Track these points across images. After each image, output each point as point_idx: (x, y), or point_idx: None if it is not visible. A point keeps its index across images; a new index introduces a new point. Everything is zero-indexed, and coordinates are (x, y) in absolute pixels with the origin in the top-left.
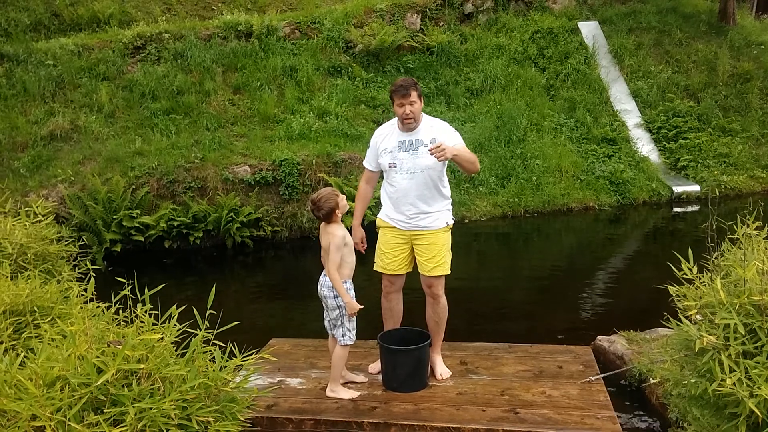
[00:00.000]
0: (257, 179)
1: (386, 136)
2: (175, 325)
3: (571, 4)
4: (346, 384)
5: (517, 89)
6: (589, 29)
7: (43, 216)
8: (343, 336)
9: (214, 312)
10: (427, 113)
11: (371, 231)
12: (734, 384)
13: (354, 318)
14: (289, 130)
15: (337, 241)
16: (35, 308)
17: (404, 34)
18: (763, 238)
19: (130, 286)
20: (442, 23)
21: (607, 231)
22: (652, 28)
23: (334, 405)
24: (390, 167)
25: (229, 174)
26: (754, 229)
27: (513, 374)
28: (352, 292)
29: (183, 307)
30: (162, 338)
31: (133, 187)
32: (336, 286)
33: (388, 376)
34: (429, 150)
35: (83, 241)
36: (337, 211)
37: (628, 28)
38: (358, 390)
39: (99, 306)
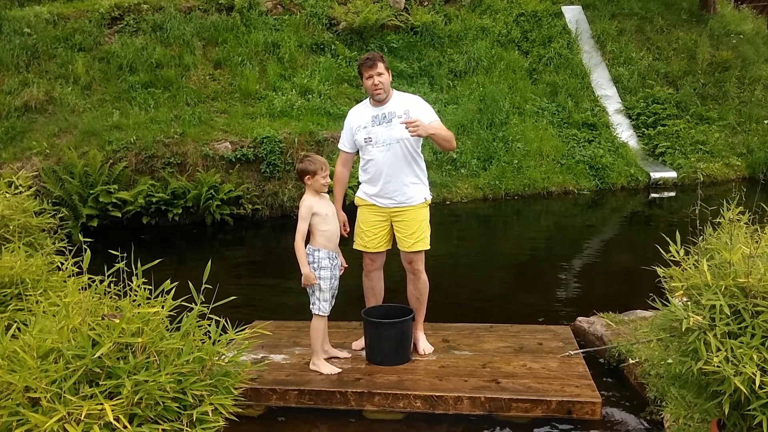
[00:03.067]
0: (238, 156)
1: (359, 113)
2: (165, 299)
3: None
4: (329, 359)
5: (500, 72)
6: (572, 14)
7: (24, 188)
8: (312, 305)
9: (189, 288)
10: (400, 92)
11: (353, 210)
12: (720, 363)
13: (326, 288)
14: (271, 107)
15: (302, 212)
16: (23, 281)
17: (388, 12)
18: (744, 223)
19: (123, 261)
20: (426, 3)
21: (586, 215)
22: (634, 14)
23: (318, 377)
24: (366, 142)
25: (209, 150)
26: (737, 215)
27: (494, 350)
28: (325, 262)
29: (176, 284)
30: (158, 312)
31: (111, 161)
32: (297, 254)
33: (372, 350)
34: (402, 122)
35: (63, 213)
36: (307, 178)
37: (610, 14)
38: (341, 365)
39: (92, 279)
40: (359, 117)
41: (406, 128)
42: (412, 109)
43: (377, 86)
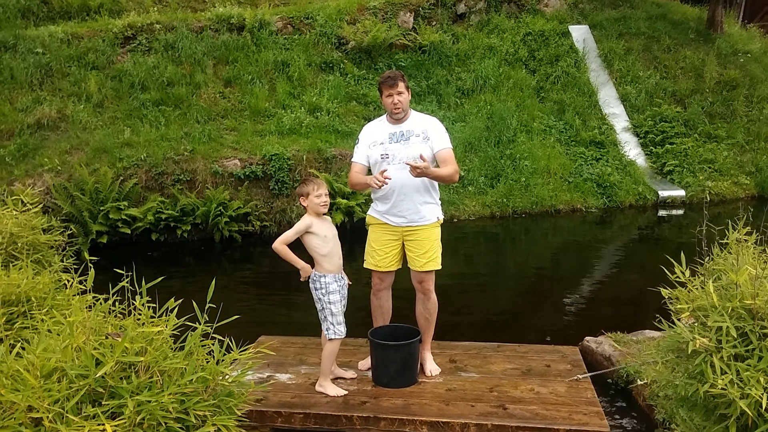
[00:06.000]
0: (247, 173)
1: (376, 129)
2: (169, 318)
3: (563, 7)
4: (335, 380)
5: (507, 90)
6: (579, 33)
7: (31, 205)
8: (327, 330)
9: (198, 306)
10: (417, 112)
11: (361, 228)
12: (726, 386)
13: (338, 312)
14: (280, 124)
15: (298, 224)
16: (29, 299)
17: (397, 32)
18: (752, 244)
19: (127, 279)
20: (434, 22)
21: (594, 233)
22: (641, 33)
23: (323, 399)
24: (382, 158)
25: (218, 167)
26: (744, 235)
27: (501, 372)
28: (333, 286)
29: (180, 301)
30: (161, 331)
31: (121, 178)
32: (284, 255)
33: (378, 372)
34: (407, 163)
35: (72, 230)
36: (302, 199)
37: (617, 33)
38: (347, 386)
39: (97, 297)
40: (376, 132)
41: (410, 172)
42: (430, 129)
43: (396, 105)
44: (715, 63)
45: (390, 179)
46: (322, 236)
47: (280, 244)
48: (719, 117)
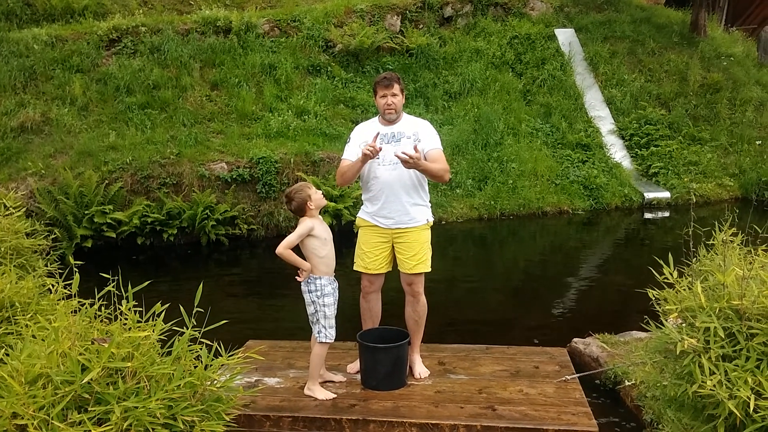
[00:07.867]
0: (234, 176)
1: (368, 129)
2: (156, 322)
3: (549, 11)
4: (324, 383)
5: (494, 93)
6: (565, 36)
7: (14, 209)
8: (318, 333)
9: (185, 310)
10: (409, 115)
11: (349, 231)
12: (714, 386)
13: (331, 315)
14: (267, 128)
15: (301, 229)
16: (13, 304)
17: (384, 35)
18: (738, 245)
19: (113, 283)
20: (421, 26)
21: (581, 235)
22: (626, 37)
23: (312, 403)
24: (372, 160)
25: (205, 171)
26: (730, 236)
27: (490, 374)
28: (327, 289)
29: (166, 305)
30: (148, 336)
31: (106, 182)
32: (289, 258)
33: (367, 375)
34: (403, 152)
35: (56, 234)
36: (309, 204)
37: (603, 37)
38: (336, 389)
39: (82, 302)
40: (367, 132)
41: (403, 164)
42: (421, 131)
43: (390, 106)
44: (698, 66)
45: (381, 149)
46: (323, 238)
47: (284, 249)
48: (703, 120)
